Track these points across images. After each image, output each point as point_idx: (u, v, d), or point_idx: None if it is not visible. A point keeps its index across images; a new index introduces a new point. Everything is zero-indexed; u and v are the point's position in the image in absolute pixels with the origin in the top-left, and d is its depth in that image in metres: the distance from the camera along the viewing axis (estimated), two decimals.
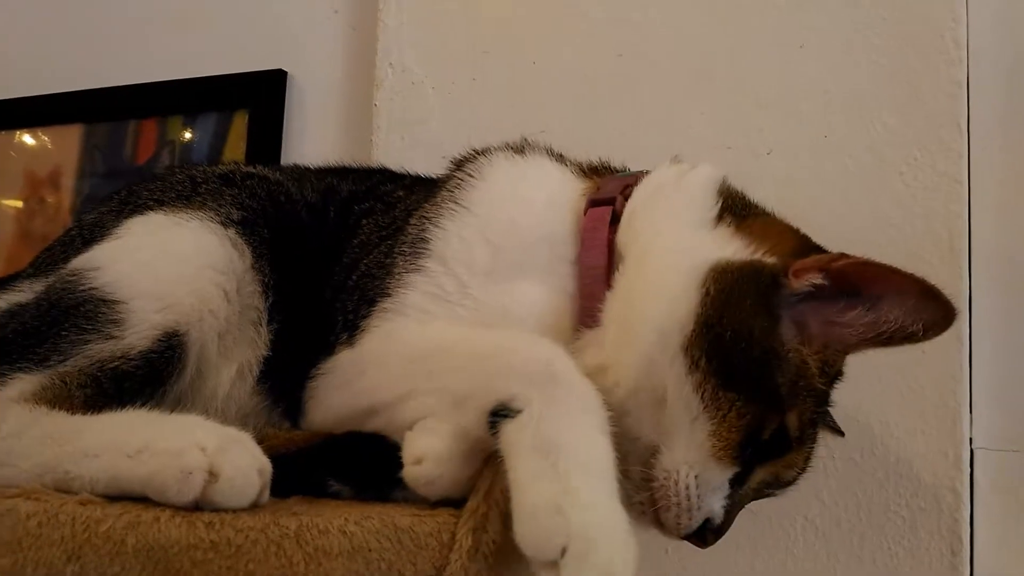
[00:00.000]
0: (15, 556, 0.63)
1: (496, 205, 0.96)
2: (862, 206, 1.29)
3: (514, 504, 0.67)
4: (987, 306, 1.25)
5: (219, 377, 0.94)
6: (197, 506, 0.67)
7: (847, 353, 0.88)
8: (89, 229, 0.97)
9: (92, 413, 0.78)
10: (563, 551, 0.62)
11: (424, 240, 0.94)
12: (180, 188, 1.00)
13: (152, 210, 0.96)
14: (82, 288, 0.87)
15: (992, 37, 1.30)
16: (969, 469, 1.21)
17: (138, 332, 0.85)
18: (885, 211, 1.27)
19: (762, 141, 1.36)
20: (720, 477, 0.82)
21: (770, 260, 0.87)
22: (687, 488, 0.81)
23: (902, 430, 1.24)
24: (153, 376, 0.86)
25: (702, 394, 0.80)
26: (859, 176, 1.30)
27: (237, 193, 1.00)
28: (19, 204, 1.97)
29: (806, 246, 0.90)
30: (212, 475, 0.67)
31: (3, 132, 2.00)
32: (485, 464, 0.76)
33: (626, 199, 0.95)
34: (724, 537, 0.86)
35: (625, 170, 1.05)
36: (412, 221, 0.98)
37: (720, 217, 0.92)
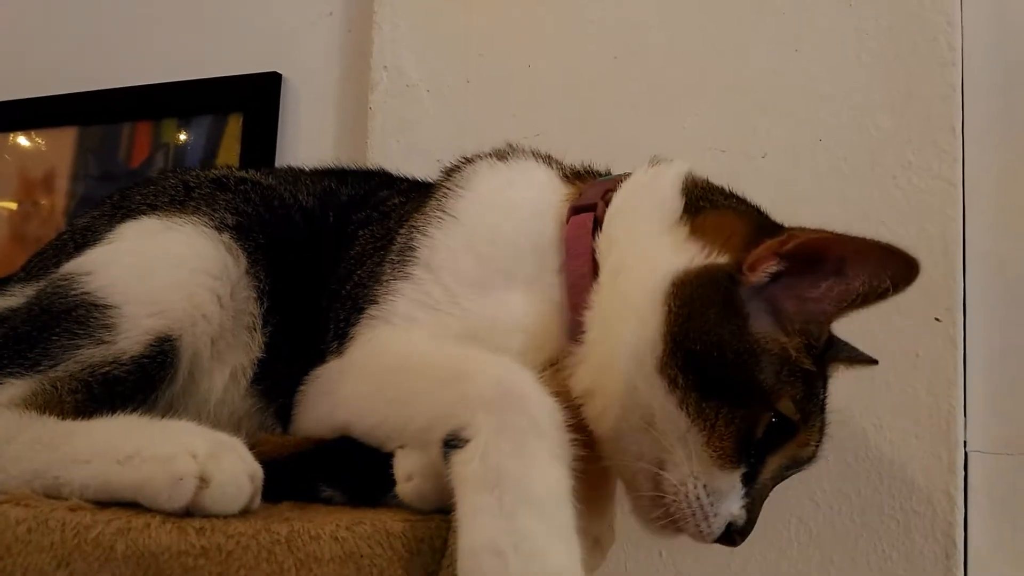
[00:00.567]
0: (4, 562, 0.63)
1: (482, 214, 0.95)
2: (857, 209, 1.29)
3: (458, 542, 0.64)
4: (982, 309, 1.25)
5: (212, 381, 0.94)
6: (188, 512, 0.66)
7: (829, 323, 0.87)
8: (81, 233, 0.97)
9: (83, 418, 0.78)
10: None
11: (412, 248, 0.93)
12: (173, 193, 1.00)
13: (145, 215, 0.96)
14: (74, 293, 0.86)
15: (986, 40, 1.30)
16: (963, 472, 1.21)
17: (130, 337, 0.85)
18: (880, 214, 1.27)
19: (757, 144, 1.36)
20: (728, 481, 0.81)
21: (723, 260, 0.85)
22: (698, 499, 0.80)
23: (896, 433, 1.24)
24: (145, 381, 0.85)
25: (686, 410, 0.80)
26: (854, 179, 1.30)
27: (231, 198, 1.00)
28: (13, 206, 1.96)
29: (758, 231, 0.87)
30: (203, 481, 0.67)
31: None
32: None
33: (607, 204, 0.94)
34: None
35: (608, 174, 1.04)
36: (402, 231, 0.98)
37: (680, 217, 0.90)
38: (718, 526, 0.82)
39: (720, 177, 0.99)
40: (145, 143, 1.87)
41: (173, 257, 0.92)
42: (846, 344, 0.98)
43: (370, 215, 1.06)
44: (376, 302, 0.92)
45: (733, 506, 0.82)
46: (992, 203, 1.28)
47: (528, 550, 0.62)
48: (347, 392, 0.87)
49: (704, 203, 0.92)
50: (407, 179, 1.18)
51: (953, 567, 1.19)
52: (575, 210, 0.94)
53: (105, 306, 0.85)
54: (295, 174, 1.14)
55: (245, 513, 0.69)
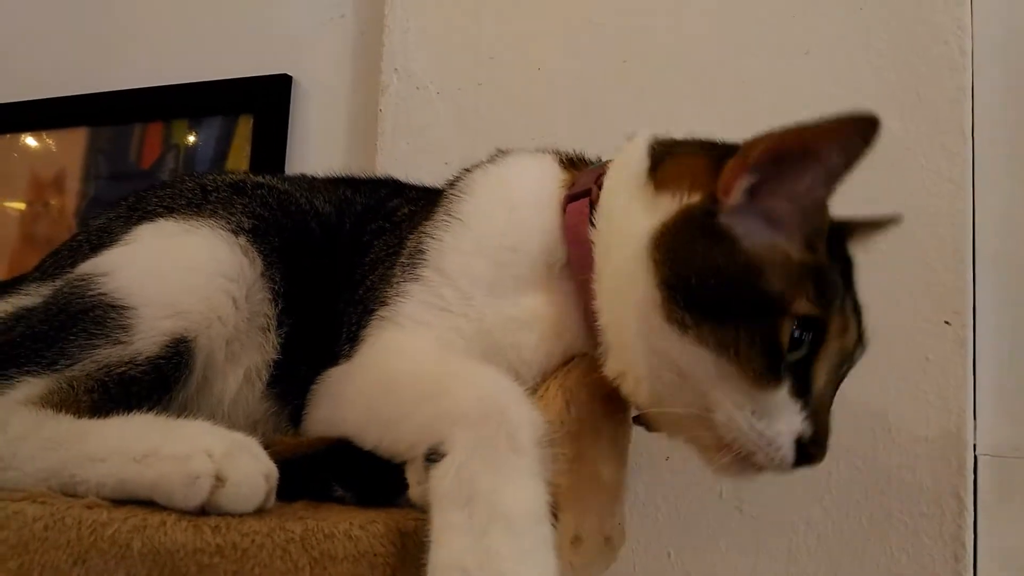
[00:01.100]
0: (21, 559, 0.63)
1: (488, 214, 0.96)
2: (866, 212, 1.29)
3: (428, 558, 0.63)
4: (992, 312, 1.25)
5: (226, 382, 0.95)
6: (203, 510, 0.67)
7: (824, 204, 0.85)
8: (97, 235, 0.98)
9: (98, 417, 0.78)
10: None
11: (421, 252, 0.94)
12: (190, 196, 1.01)
13: (162, 217, 0.97)
14: (91, 293, 0.87)
15: (997, 44, 1.30)
16: (972, 475, 1.21)
17: (146, 338, 0.85)
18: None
19: None
20: (774, 400, 0.79)
21: (695, 199, 0.85)
22: (752, 427, 0.79)
23: (905, 436, 1.23)
24: (160, 382, 0.86)
25: (705, 344, 0.79)
26: (863, 182, 1.30)
27: (248, 202, 1.00)
28: (23, 207, 1.98)
29: (718, 160, 0.86)
30: (219, 480, 0.67)
31: (8, 135, 2.00)
32: None
33: (600, 188, 0.94)
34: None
35: (598, 161, 1.04)
36: (412, 236, 0.98)
37: (647, 178, 0.90)
38: (787, 448, 0.80)
39: None
40: (155, 144, 1.88)
41: (190, 260, 0.93)
42: (855, 219, 0.96)
43: (383, 226, 1.07)
44: (386, 303, 0.93)
45: (793, 422, 0.80)
46: (1002, 206, 1.28)
47: (494, 570, 0.61)
48: (347, 399, 0.88)
49: (665, 157, 0.92)
50: (416, 186, 1.18)
51: (962, 570, 1.18)
52: (570, 198, 0.94)
53: (122, 307, 0.86)
54: (309, 181, 1.15)
55: (260, 512, 0.69)
